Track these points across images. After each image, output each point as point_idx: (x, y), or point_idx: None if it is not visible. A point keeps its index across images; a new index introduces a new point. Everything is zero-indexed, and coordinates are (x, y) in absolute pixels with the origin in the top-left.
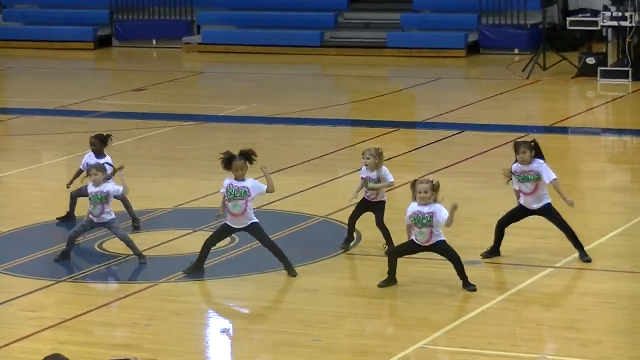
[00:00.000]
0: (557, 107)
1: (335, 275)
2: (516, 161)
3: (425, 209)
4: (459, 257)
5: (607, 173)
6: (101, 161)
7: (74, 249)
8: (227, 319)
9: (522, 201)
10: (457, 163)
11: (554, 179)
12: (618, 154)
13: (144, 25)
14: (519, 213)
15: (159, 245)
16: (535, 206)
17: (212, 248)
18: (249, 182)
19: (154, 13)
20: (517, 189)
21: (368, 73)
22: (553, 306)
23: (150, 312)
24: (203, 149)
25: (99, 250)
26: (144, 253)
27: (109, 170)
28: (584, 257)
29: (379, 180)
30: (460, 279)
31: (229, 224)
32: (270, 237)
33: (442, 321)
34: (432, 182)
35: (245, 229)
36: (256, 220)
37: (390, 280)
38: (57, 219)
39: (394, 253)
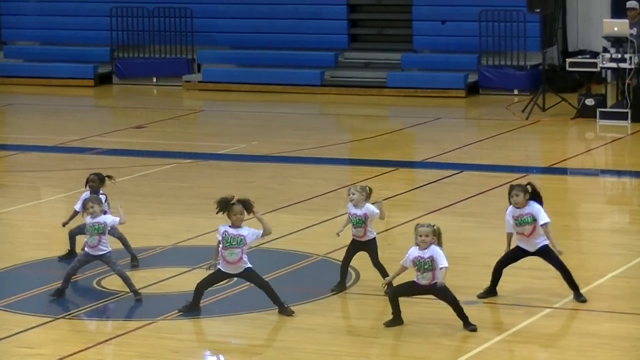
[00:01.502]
0: (556, 148)
1: (333, 315)
2: (510, 204)
3: (426, 254)
4: (457, 300)
5: (606, 214)
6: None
7: (71, 285)
8: (224, 357)
9: (519, 243)
10: (455, 203)
11: (545, 224)
12: (617, 196)
13: (144, 63)
14: (517, 254)
15: (156, 283)
16: (533, 248)
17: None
18: (245, 230)
19: (155, 51)
20: (509, 232)
21: (368, 112)
22: (551, 347)
23: (147, 350)
24: (202, 187)
25: (97, 287)
26: (142, 291)
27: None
28: (579, 297)
29: (365, 217)
30: (461, 319)
31: (223, 270)
32: (266, 276)
33: None
34: (433, 226)
35: (239, 274)
36: (250, 265)
37: (396, 319)
38: (59, 258)
39: (394, 294)
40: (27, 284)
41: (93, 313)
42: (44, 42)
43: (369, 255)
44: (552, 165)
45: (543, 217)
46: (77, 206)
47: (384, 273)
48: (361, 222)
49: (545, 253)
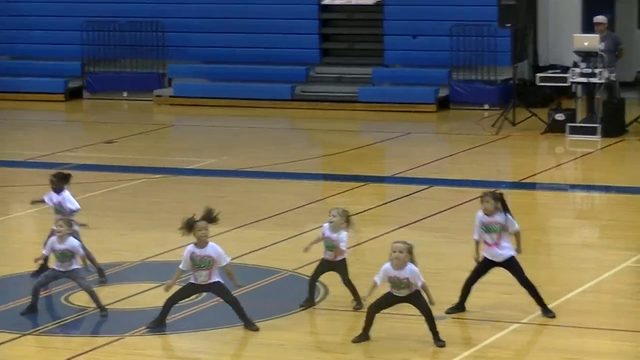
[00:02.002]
0: (526, 163)
1: (301, 330)
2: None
3: (402, 274)
4: (431, 311)
5: (575, 229)
6: (60, 197)
7: (39, 301)
8: None
9: (485, 254)
10: (425, 218)
11: (517, 230)
12: (586, 210)
13: (115, 77)
14: (485, 267)
15: (125, 298)
16: (499, 259)
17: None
18: (213, 251)
19: (126, 65)
20: (476, 238)
21: (339, 127)
22: None
23: None
24: (172, 202)
25: (65, 303)
26: (111, 306)
27: (75, 227)
28: (547, 313)
29: (332, 242)
30: (432, 333)
31: (193, 282)
32: (235, 292)
33: None
34: (408, 244)
35: (208, 287)
36: (219, 279)
37: (364, 336)
38: (31, 275)
39: (374, 308)
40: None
41: (61, 329)
42: (14, 56)
43: (340, 275)
44: (522, 180)
45: (514, 225)
46: (47, 199)
47: (354, 292)
48: (333, 246)
49: (512, 265)
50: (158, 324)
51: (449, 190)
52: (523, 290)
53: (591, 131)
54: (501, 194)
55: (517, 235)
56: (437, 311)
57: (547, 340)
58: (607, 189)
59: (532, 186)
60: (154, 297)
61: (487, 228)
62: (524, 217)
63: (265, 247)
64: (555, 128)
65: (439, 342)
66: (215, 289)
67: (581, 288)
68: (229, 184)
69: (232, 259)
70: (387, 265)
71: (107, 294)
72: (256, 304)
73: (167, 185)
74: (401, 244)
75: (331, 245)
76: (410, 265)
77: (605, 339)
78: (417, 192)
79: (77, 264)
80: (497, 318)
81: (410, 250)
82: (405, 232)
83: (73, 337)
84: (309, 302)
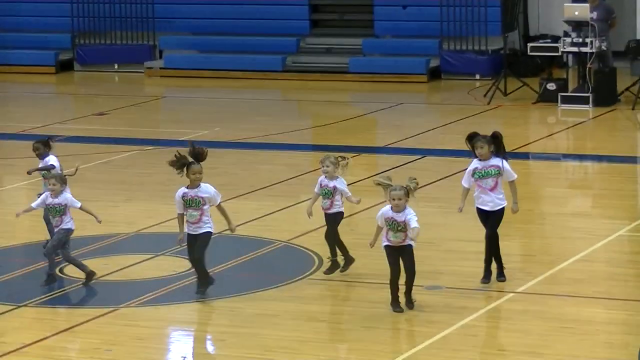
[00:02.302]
0: (518, 133)
1: (297, 301)
2: (475, 158)
3: (400, 217)
4: (414, 271)
5: (568, 198)
6: (46, 161)
7: (34, 272)
8: (188, 344)
9: (479, 203)
10: (418, 188)
11: (513, 179)
12: (579, 180)
13: (106, 49)
14: (485, 219)
15: (119, 270)
16: (491, 206)
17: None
18: (204, 191)
19: (116, 37)
20: (465, 186)
21: (330, 98)
22: (513, 331)
23: (111, 337)
24: (164, 173)
25: (60, 274)
26: (105, 278)
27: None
28: (500, 277)
29: (335, 189)
30: (406, 290)
31: (188, 232)
32: (229, 263)
33: (403, 347)
34: (405, 188)
35: (198, 236)
36: (210, 230)
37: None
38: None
39: (394, 267)
40: None
41: (56, 300)
42: (4, 29)
43: (328, 226)
44: (514, 150)
45: (511, 174)
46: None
47: (333, 249)
48: (330, 193)
49: (496, 216)
50: (205, 284)
51: (441, 160)
52: (518, 259)
53: (583, 101)
54: (495, 134)
55: (512, 185)
56: (432, 281)
57: (542, 309)
58: (599, 158)
59: (524, 156)
60: (148, 268)
61: (482, 173)
62: (517, 187)
63: (259, 218)
64: (546, 98)
65: (409, 304)
66: (201, 239)
67: (575, 257)
68: (221, 155)
69: (226, 229)
70: (387, 208)
71: (102, 266)
72: (250, 275)
73: (159, 157)
74: (398, 191)
75: (327, 192)
76: (407, 209)
77: (599, 308)
78: (409, 162)
79: (69, 223)
80: (491, 287)
81: (407, 194)
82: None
83: (68, 309)
84: (334, 264)
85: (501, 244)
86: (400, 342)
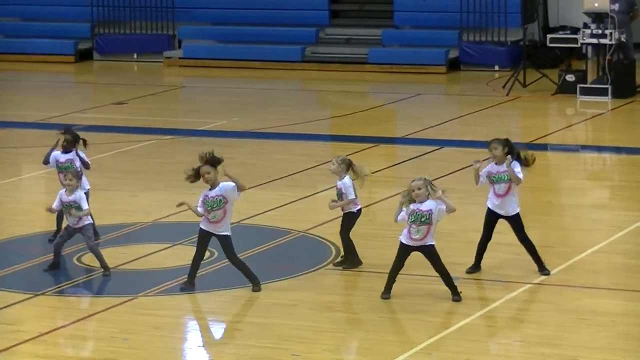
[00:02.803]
0: (536, 124)
1: (314, 291)
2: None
3: (424, 207)
4: (444, 267)
5: (587, 190)
6: (69, 156)
7: (51, 261)
8: (205, 333)
9: (490, 204)
10: (436, 179)
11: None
12: (597, 171)
13: (125, 39)
14: (490, 221)
15: (137, 259)
16: (504, 212)
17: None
18: (221, 190)
19: (135, 27)
20: (477, 186)
21: (349, 88)
22: (530, 322)
23: (128, 326)
24: (183, 163)
25: (78, 263)
26: (123, 267)
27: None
28: (543, 271)
29: (340, 190)
30: (449, 289)
31: (204, 228)
32: (246, 252)
33: (420, 337)
34: (424, 178)
35: (217, 236)
36: (229, 233)
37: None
38: (49, 240)
39: (398, 266)
40: (7, 260)
41: (73, 289)
42: (24, 18)
43: (342, 224)
44: (533, 141)
45: (519, 175)
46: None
47: (346, 247)
48: (338, 194)
49: (515, 221)
50: (257, 282)
51: (459, 151)
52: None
53: (602, 92)
54: (508, 140)
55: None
56: (451, 271)
57: (559, 300)
58: (617, 150)
59: (543, 147)
60: (166, 257)
61: (496, 177)
62: (536, 178)
63: (277, 207)
64: (565, 89)
65: (455, 296)
66: (222, 241)
67: (593, 248)
68: (240, 145)
69: (243, 219)
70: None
71: (119, 255)
72: (268, 264)
73: (177, 146)
74: (417, 181)
75: (336, 193)
76: (430, 200)
77: (617, 299)
78: (427, 153)
79: (87, 219)
80: (509, 278)
81: (427, 184)
82: None
83: (85, 298)
84: (350, 262)
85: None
86: (418, 332)
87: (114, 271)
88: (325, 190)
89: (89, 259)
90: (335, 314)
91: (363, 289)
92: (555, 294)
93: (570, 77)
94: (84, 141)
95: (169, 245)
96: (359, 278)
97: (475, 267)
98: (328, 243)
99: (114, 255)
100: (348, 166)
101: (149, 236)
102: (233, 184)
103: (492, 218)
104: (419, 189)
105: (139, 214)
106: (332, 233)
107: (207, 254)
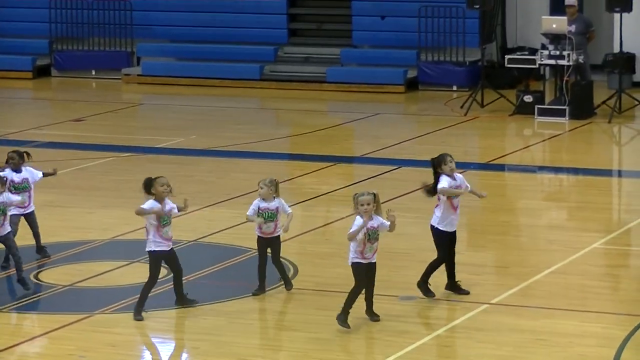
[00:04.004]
0: (494, 144)
1: (271, 309)
2: (439, 175)
3: (374, 223)
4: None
5: (544, 211)
6: (21, 175)
7: (8, 278)
8: (162, 351)
9: (442, 226)
10: (394, 198)
11: (469, 187)
12: (555, 192)
13: (83, 55)
14: (445, 240)
15: (94, 276)
16: (453, 229)
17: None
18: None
19: (94, 44)
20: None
21: (307, 107)
22: (488, 342)
23: (84, 344)
24: (141, 180)
25: (34, 280)
26: (80, 284)
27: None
28: (461, 291)
29: (277, 210)
30: (366, 305)
31: (160, 250)
32: (203, 271)
33: (376, 357)
34: (373, 193)
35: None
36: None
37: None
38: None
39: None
40: None
41: (30, 306)
42: None
43: (272, 251)
44: (491, 161)
45: (466, 184)
46: None
47: (282, 272)
48: (273, 215)
49: (454, 237)
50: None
51: (417, 171)
52: (492, 271)
53: (559, 113)
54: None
55: (472, 190)
56: (407, 291)
57: (516, 321)
58: (575, 171)
59: (500, 167)
60: (122, 275)
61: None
62: (493, 198)
63: (234, 226)
64: (523, 110)
65: (372, 316)
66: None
67: (550, 269)
68: (198, 163)
69: (201, 237)
70: (357, 218)
71: (76, 272)
72: (224, 283)
73: (135, 163)
74: (367, 196)
75: (270, 215)
76: (376, 217)
77: (573, 320)
78: (385, 172)
79: (9, 227)
80: (466, 298)
81: (375, 200)
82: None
83: (42, 315)
84: (261, 290)
85: (476, 254)
86: (374, 352)
87: (71, 288)
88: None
89: (46, 276)
90: (293, 333)
91: (320, 308)
92: (512, 314)
93: (528, 98)
94: (27, 154)
95: (126, 262)
96: (317, 297)
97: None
98: (284, 261)
99: (70, 272)
100: (276, 187)
101: (105, 253)
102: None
103: (446, 239)
104: (368, 204)
105: (96, 231)
106: (290, 252)
107: (164, 271)
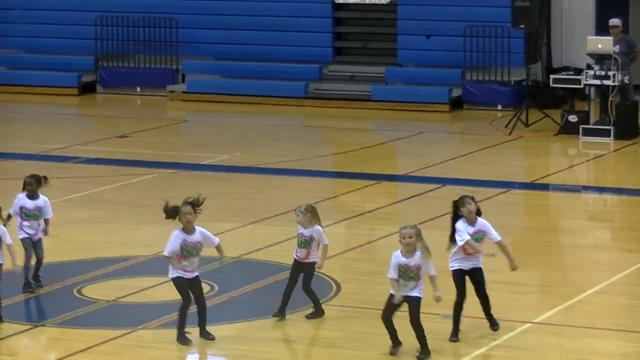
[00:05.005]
0: (538, 164)
1: (315, 326)
2: (457, 219)
3: (412, 262)
4: (420, 324)
5: (588, 230)
6: (35, 202)
7: (51, 293)
8: None
9: (457, 266)
10: (437, 217)
11: (500, 240)
12: (598, 212)
13: (128, 72)
14: (461, 280)
15: (138, 292)
16: (471, 265)
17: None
18: (200, 235)
19: (139, 61)
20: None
21: (351, 125)
22: None
23: (127, 359)
24: (184, 197)
25: (78, 295)
26: (123, 299)
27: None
28: (494, 326)
29: (311, 238)
30: (419, 344)
31: (183, 277)
32: (246, 288)
33: None
34: (416, 227)
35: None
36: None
37: (396, 343)
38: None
39: (386, 316)
40: (9, 291)
41: (73, 321)
42: (28, 50)
43: (304, 277)
44: (535, 181)
45: (496, 235)
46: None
47: (313, 298)
48: (306, 242)
49: (479, 273)
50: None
51: (461, 189)
52: (535, 290)
53: (604, 133)
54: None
55: (502, 244)
56: (449, 309)
57: (559, 341)
58: (619, 191)
59: (544, 187)
60: (166, 290)
61: (475, 238)
62: (536, 217)
63: (277, 243)
64: (568, 130)
65: (422, 355)
66: (194, 281)
67: (593, 289)
68: (242, 180)
69: (243, 254)
70: (397, 253)
71: (120, 287)
72: (269, 299)
73: (179, 180)
74: (409, 229)
75: (304, 242)
76: (418, 253)
77: (617, 340)
78: (429, 191)
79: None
80: (508, 317)
81: (419, 234)
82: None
83: (85, 330)
84: (281, 313)
85: (520, 274)
86: None
87: (114, 304)
88: (327, 226)
89: (89, 291)
90: (336, 350)
91: (364, 325)
92: (554, 334)
93: (572, 118)
94: (45, 178)
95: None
96: (361, 314)
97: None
98: (328, 279)
99: (113, 288)
100: (313, 213)
101: (148, 269)
102: (216, 240)
103: (462, 279)
104: (411, 237)
105: (139, 247)
106: (332, 269)
107: (207, 287)
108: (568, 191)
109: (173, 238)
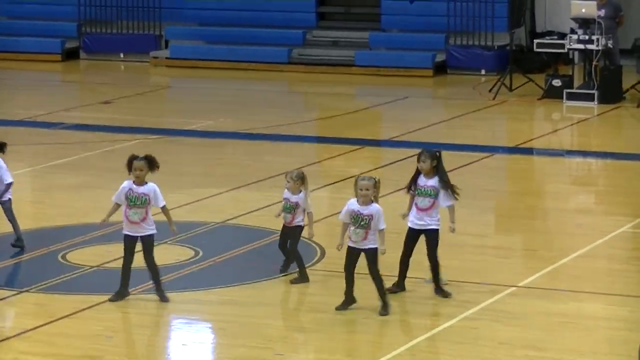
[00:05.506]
0: (522, 128)
1: (299, 291)
2: (419, 173)
3: (365, 211)
4: (379, 275)
5: (571, 195)
6: None
7: (35, 259)
8: (189, 332)
9: (411, 222)
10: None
11: (451, 205)
12: (582, 176)
13: (112, 38)
14: (412, 238)
15: (121, 257)
16: (422, 226)
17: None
18: (149, 189)
19: (122, 27)
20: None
21: (335, 91)
22: (515, 325)
23: (112, 324)
24: (168, 163)
25: (62, 261)
26: (106, 265)
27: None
28: (440, 292)
29: (297, 205)
30: (380, 298)
31: (127, 233)
32: (231, 252)
33: (404, 338)
34: (374, 179)
35: (142, 238)
36: (154, 232)
37: (349, 299)
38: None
39: (345, 266)
40: None
41: (57, 287)
42: (11, 16)
43: (290, 241)
44: (519, 145)
45: (447, 200)
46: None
47: (299, 263)
48: (292, 208)
49: (432, 235)
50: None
51: (445, 154)
52: (520, 254)
53: (588, 97)
54: (439, 152)
55: (450, 209)
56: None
57: (544, 304)
58: (603, 155)
59: (528, 151)
60: None
61: (420, 191)
62: (520, 182)
63: (262, 208)
64: (552, 94)
65: (383, 311)
66: (146, 241)
67: (577, 253)
68: (226, 145)
69: (229, 219)
70: (353, 200)
71: (105, 253)
72: (252, 264)
73: (163, 146)
74: (367, 181)
75: (289, 207)
76: (374, 205)
77: (601, 303)
78: (412, 156)
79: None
80: (494, 281)
81: (375, 185)
82: (401, 195)
83: (69, 295)
84: (285, 267)
85: (504, 238)
86: (402, 334)
87: (98, 269)
88: (311, 191)
89: (73, 257)
90: (320, 315)
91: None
92: (539, 297)
93: (556, 82)
94: (3, 145)
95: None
96: (342, 280)
97: (400, 286)
98: (313, 244)
99: (98, 253)
100: (303, 180)
101: None
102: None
103: (412, 237)
104: (367, 189)
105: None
106: (317, 234)
107: (192, 252)
108: (552, 155)
109: (121, 186)
